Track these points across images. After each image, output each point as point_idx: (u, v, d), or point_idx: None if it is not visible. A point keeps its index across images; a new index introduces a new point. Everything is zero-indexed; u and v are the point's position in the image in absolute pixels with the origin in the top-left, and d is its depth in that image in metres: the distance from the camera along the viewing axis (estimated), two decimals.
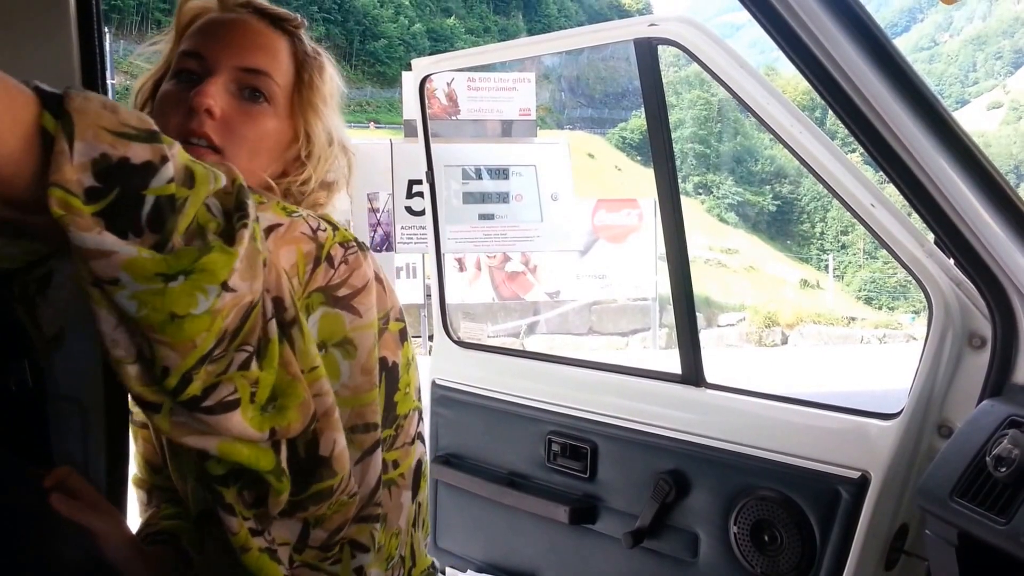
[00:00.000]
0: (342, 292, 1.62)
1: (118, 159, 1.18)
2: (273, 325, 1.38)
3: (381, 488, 1.73)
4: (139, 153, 1.19)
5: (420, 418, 1.88)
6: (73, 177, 1.14)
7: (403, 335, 1.80)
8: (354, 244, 1.67)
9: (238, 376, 1.32)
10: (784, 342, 30.48)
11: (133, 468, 2.09)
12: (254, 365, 1.35)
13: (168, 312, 1.19)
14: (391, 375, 1.76)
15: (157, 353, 1.22)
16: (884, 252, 2.65)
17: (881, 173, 2.27)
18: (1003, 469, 2.04)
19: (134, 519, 1.91)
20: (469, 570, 3.83)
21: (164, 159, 1.21)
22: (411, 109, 16.14)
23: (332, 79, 1.87)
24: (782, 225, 79.18)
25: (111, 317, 1.19)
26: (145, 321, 1.19)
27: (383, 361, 1.73)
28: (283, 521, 1.58)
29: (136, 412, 2.01)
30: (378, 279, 1.72)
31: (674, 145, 3.20)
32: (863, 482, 2.59)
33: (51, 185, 1.13)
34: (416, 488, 1.87)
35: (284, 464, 1.46)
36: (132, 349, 1.22)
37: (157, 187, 1.20)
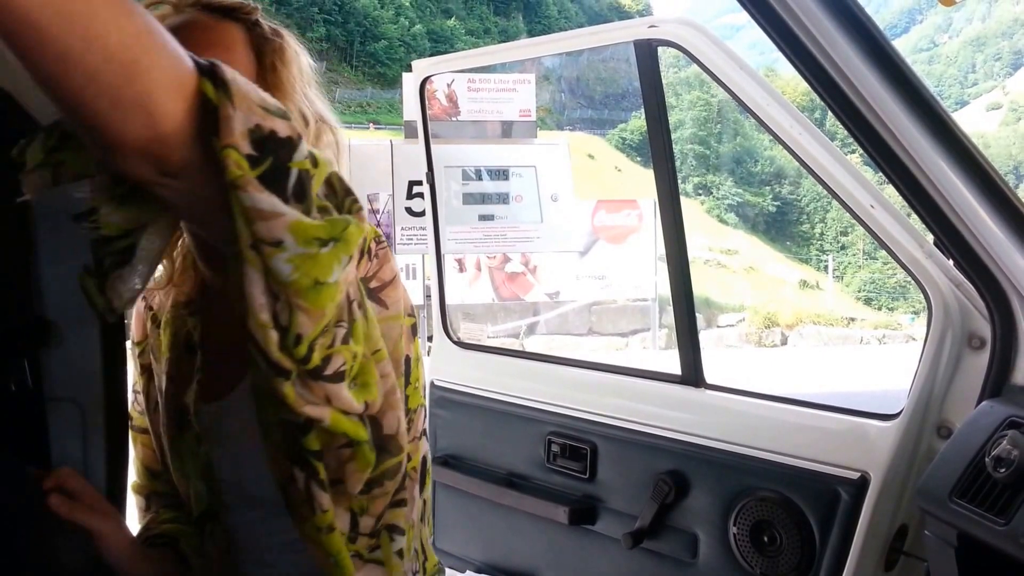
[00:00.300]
0: (373, 284, 1.68)
1: (268, 131, 1.22)
2: (355, 305, 1.41)
3: (407, 475, 1.75)
4: (282, 128, 1.24)
5: (425, 415, 1.91)
6: (240, 142, 1.18)
7: (414, 330, 1.82)
8: (383, 239, 1.73)
9: (344, 349, 1.36)
10: (784, 343, 30.50)
11: (132, 474, 2.09)
12: (350, 340, 1.38)
13: (314, 278, 1.24)
14: (407, 369, 1.78)
15: (294, 319, 1.25)
16: (883, 253, 2.66)
17: (880, 174, 2.28)
18: (1002, 470, 2.04)
19: (133, 523, 1.91)
20: (468, 571, 3.83)
21: (299, 137, 1.26)
22: (411, 110, 16.15)
23: (296, 57, 1.83)
24: (782, 226, 79.21)
25: (262, 281, 1.22)
26: (294, 285, 1.23)
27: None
28: (336, 511, 1.59)
29: (136, 418, 2.01)
30: None
31: (674, 146, 3.20)
32: (862, 483, 2.58)
33: (226, 147, 1.17)
34: (423, 483, 1.89)
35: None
36: (271, 315, 1.25)
37: (298, 161, 1.24)
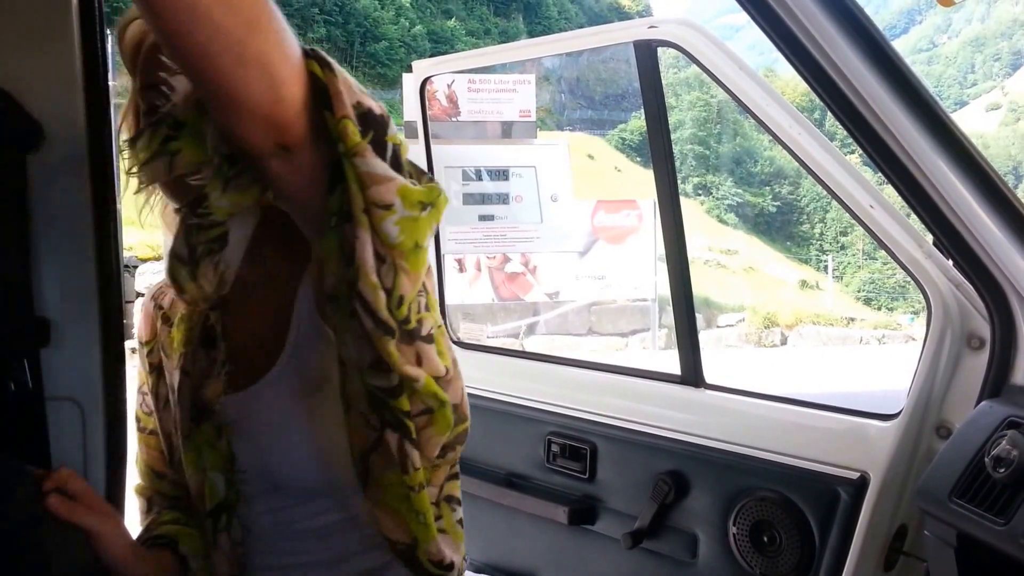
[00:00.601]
0: None
1: (367, 108, 1.34)
2: (427, 275, 1.51)
3: None
4: (375, 106, 1.36)
5: None
6: (352, 115, 1.31)
7: None
8: None
9: (427, 316, 1.49)
10: (783, 343, 30.51)
11: (134, 476, 2.09)
12: (429, 309, 1.51)
13: (415, 241, 1.37)
14: None
15: (398, 281, 1.38)
16: (883, 253, 2.66)
17: (880, 174, 2.28)
18: (1002, 470, 2.04)
19: (133, 524, 1.91)
20: (467, 571, 3.83)
21: (388, 115, 1.38)
22: (411, 110, 16.16)
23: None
24: (781, 226, 79.09)
25: (371, 244, 1.34)
26: (399, 247, 1.36)
27: None
28: None
29: (142, 419, 2.01)
30: None
31: (673, 146, 3.20)
32: (862, 483, 2.58)
33: (343, 118, 1.30)
34: None
35: None
36: (379, 277, 1.36)
37: (392, 136, 1.37)
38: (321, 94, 1.30)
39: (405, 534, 1.64)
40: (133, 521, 1.94)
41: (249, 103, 1.22)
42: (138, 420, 2.01)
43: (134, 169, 1.45)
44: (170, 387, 1.88)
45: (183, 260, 1.55)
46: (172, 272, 1.57)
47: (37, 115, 2.01)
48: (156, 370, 1.94)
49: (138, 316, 2.02)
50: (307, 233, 1.49)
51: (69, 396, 2.09)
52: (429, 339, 1.48)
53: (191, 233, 1.54)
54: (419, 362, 1.47)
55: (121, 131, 1.80)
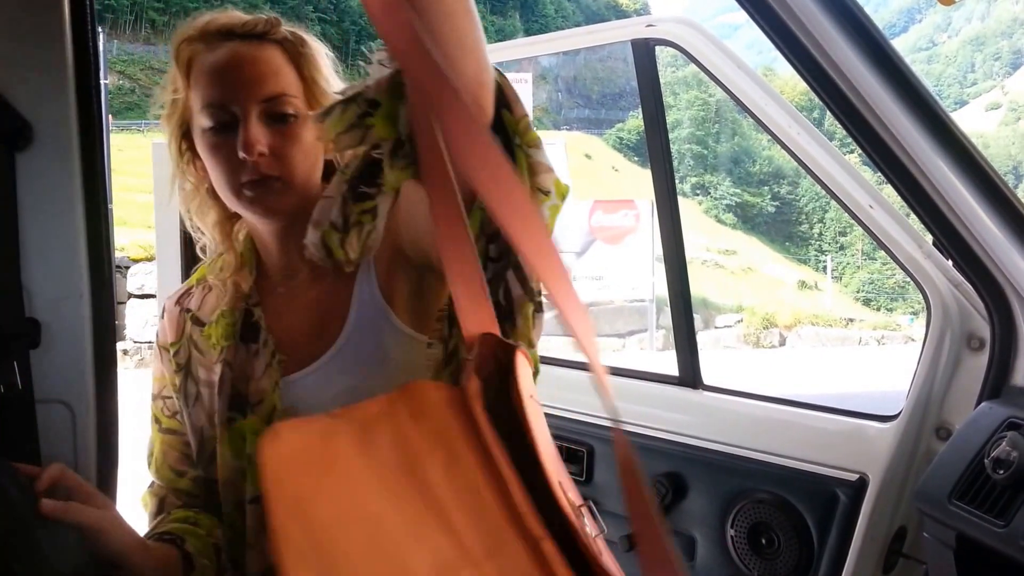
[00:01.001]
0: None
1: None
2: None
3: None
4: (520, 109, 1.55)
5: None
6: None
7: None
8: None
9: None
10: (782, 344, 30.53)
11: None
12: None
13: (552, 226, 1.57)
14: None
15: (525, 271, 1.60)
16: (882, 253, 2.65)
17: (879, 174, 2.27)
18: (1002, 471, 2.04)
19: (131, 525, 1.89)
20: None
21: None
22: None
23: (322, 56, 1.89)
24: (780, 226, 79.18)
25: None
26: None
27: None
28: None
29: (164, 421, 2.05)
30: None
31: (671, 146, 3.20)
32: (861, 485, 2.58)
33: (523, 116, 1.53)
34: None
35: None
36: None
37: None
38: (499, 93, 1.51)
39: None
40: (131, 522, 1.93)
41: (466, 81, 1.40)
42: (158, 421, 2.06)
43: (329, 138, 1.56)
44: (204, 382, 1.94)
45: (337, 228, 1.68)
46: (325, 238, 1.69)
47: (26, 113, 1.98)
48: (184, 369, 1.98)
49: (162, 320, 2.07)
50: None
51: (60, 399, 2.06)
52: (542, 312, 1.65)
53: (347, 204, 1.67)
54: (538, 332, 1.65)
55: (169, 143, 1.91)
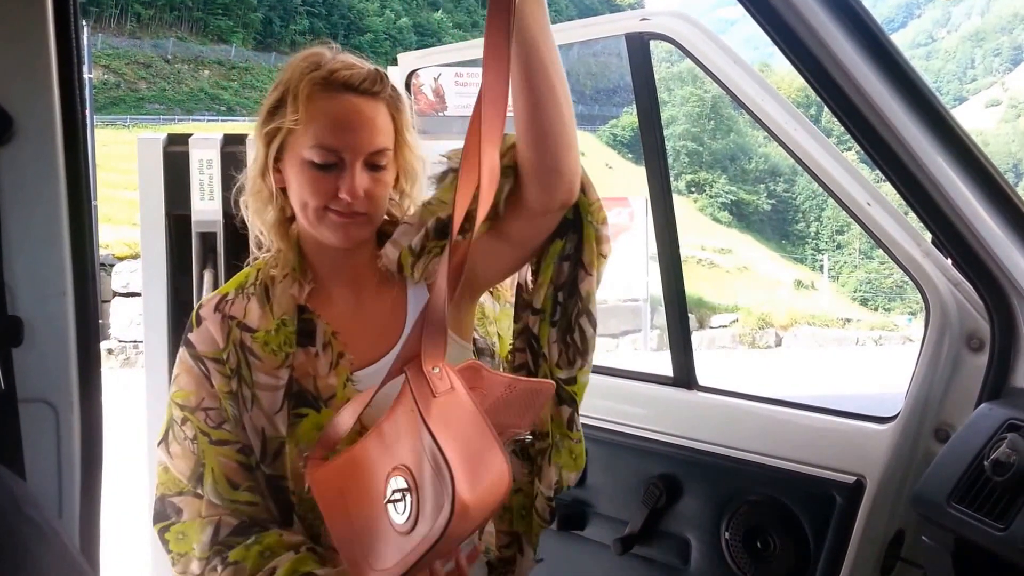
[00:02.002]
0: None
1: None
2: None
3: None
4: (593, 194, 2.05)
5: None
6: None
7: None
8: None
9: None
10: (778, 344, 30.58)
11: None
12: None
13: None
14: None
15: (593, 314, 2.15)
16: (880, 252, 2.64)
17: (877, 171, 2.26)
18: (1001, 474, 2.02)
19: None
20: None
21: None
22: None
23: (409, 109, 2.15)
24: (776, 224, 79.35)
25: (594, 281, 2.11)
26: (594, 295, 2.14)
27: None
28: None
29: (212, 432, 2.09)
30: None
31: (666, 142, 3.18)
32: (858, 487, 2.56)
33: (596, 200, 2.04)
34: None
35: None
36: None
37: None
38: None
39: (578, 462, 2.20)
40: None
41: (566, 173, 1.90)
42: (206, 434, 2.09)
43: (440, 198, 2.08)
44: (262, 385, 2.07)
45: (413, 252, 2.08)
46: (401, 257, 2.09)
47: (8, 108, 1.97)
48: (236, 374, 2.09)
49: (197, 330, 2.15)
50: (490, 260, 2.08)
51: (42, 398, 2.05)
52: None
53: (428, 236, 2.07)
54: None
55: (258, 147, 2.10)
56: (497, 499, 1.77)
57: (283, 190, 2.09)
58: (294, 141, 2.02)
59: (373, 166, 2.03)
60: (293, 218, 2.12)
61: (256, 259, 2.21)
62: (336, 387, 2.06)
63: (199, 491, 2.07)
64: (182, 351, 2.15)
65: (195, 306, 2.20)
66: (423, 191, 2.21)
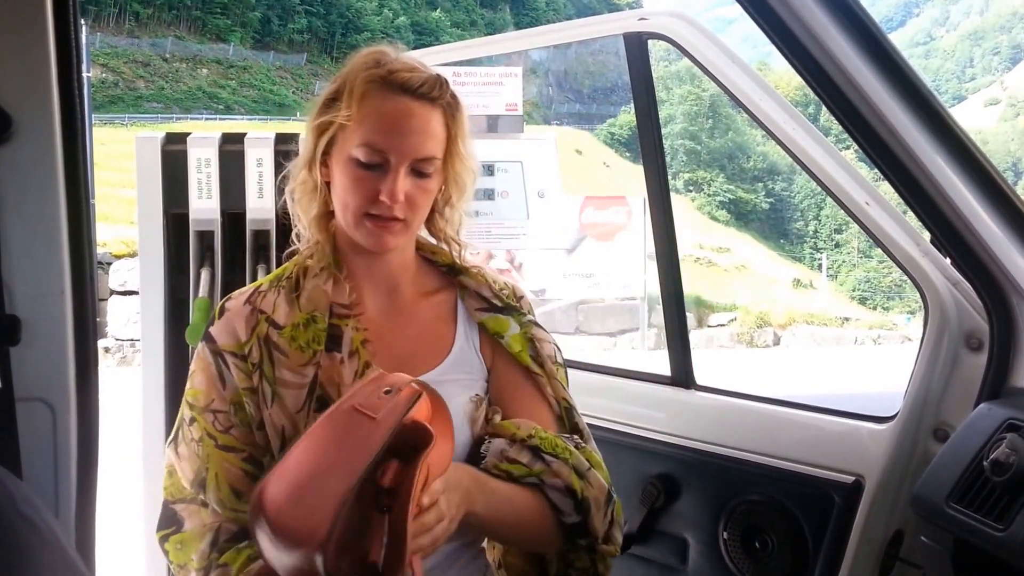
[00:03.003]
0: None
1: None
2: None
3: None
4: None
5: None
6: None
7: None
8: None
9: None
10: (776, 343, 30.51)
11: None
12: None
13: None
14: None
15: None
16: (879, 251, 2.64)
17: (876, 170, 2.25)
18: (1001, 474, 2.01)
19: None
20: None
21: None
22: None
23: (467, 119, 2.12)
24: (775, 223, 79.41)
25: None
26: None
27: None
28: None
29: (219, 436, 2.04)
30: None
31: (664, 141, 3.18)
32: (857, 487, 2.56)
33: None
34: None
35: None
36: None
37: None
38: None
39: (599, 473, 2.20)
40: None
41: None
42: (212, 438, 2.05)
43: None
44: (285, 383, 2.03)
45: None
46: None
47: (7, 107, 1.96)
48: (258, 369, 2.04)
49: (220, 322, 2.11)
50: None
51: (40, 397, 2.04)
52: None
53: None
54: None
55: (308, 140, 2.08)
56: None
57: (327, 184, 2.07)
58: (344, 137, 1.99)
59: (419, 172, 2.00)
60: (331, 213, 2.10)
61: (297, 250, 2.19)
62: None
63: (202, 497, 2.04)
64: (201, 346, 2.11)
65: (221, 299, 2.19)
66: (470, 201, 2.21)
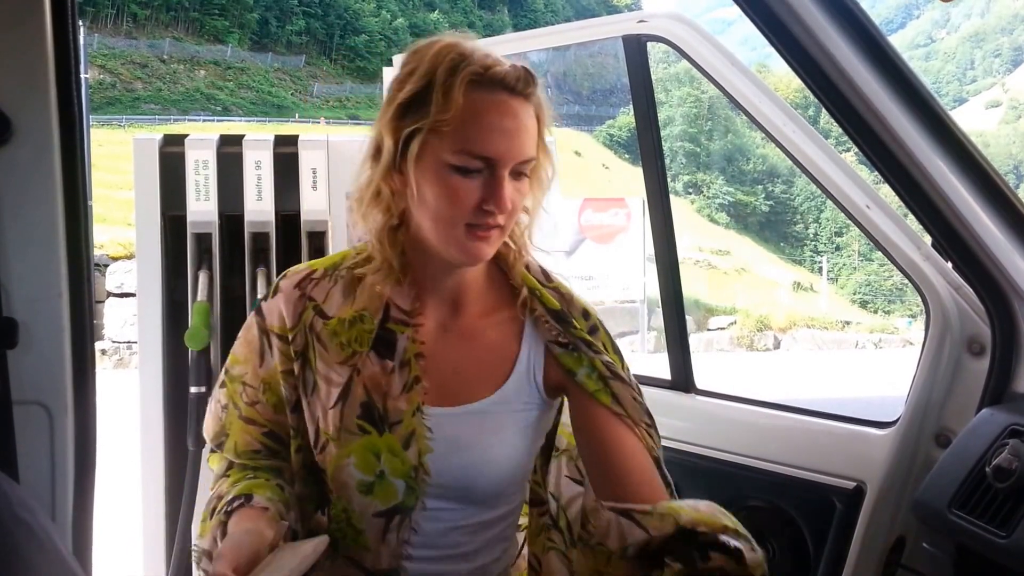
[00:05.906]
0: None
1: None
2: None
3: None
4: None
5: None
6: None
7: None
8: None
9: None
10: (776, 346, 30.53)
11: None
12: None
13: None
14: None
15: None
16: (880, 254, 2.63)
17: (876, 173, 2.25)
18: (1003, 480, 2.01)
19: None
20: None
21: None
22: None
23: (549, 115, 1.94)
24: (775, 226, 79.39)
25: None
26: None
27: None
28: None
29: (244, 408, 2.00)
30: None
31: (663, 143, 3.18)
32: (858, 493, 2.56)
33: None
34: None
35: None
36: None
37: None
38: None
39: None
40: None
41: None
42: (236, 406, 2.01)
43: None
44: (323, 376, 1.94)
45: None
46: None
47: (5, 108, 1.96)
48: (302, 357, 1.96)
49: (271, 300, 2.01)
50: None
51: (37, 400, 2.04)
52: None
53: None
54: None
55: (386, 140, 1.86)
56: None
57: (392, 192, 1.87)
58: (435, 142, 1.81)
59: (518, 174, 1.85)
60: (400, 225, 1.92)
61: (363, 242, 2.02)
62: (404, 413, 1.90)
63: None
64: (252, 315, 2.03)
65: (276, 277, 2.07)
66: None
